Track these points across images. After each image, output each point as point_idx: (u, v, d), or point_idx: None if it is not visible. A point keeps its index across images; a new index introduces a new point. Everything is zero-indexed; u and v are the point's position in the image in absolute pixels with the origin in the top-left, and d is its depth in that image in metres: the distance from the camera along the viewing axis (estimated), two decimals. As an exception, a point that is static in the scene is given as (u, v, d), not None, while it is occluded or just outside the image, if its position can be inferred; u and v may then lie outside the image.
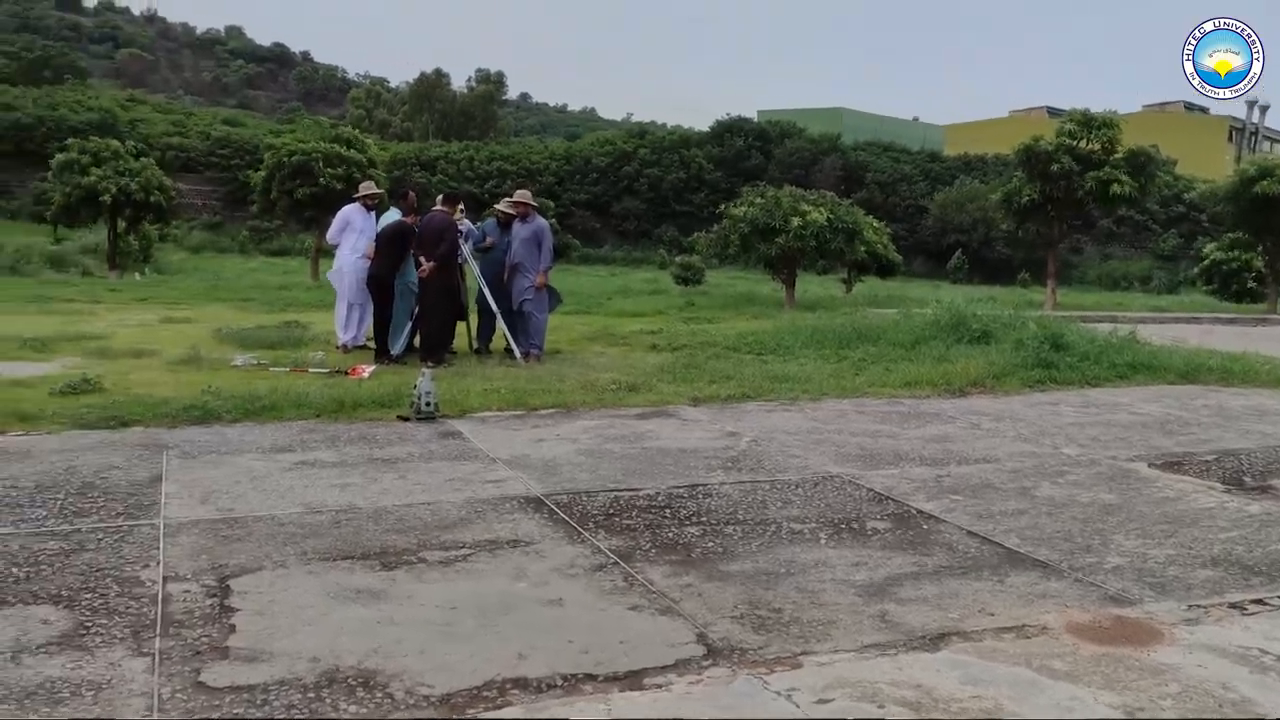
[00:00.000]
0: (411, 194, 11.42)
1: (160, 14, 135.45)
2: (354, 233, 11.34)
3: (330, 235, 11.78)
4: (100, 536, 4.74)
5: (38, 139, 48.76)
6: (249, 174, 34.01)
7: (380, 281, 10.68)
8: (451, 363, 10.50)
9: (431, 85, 79.31)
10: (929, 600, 4.33)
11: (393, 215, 11.26)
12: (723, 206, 21.60)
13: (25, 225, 43.37)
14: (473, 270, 11.33)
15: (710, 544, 4.99)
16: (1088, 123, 23.64)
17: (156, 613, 3.87)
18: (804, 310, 18.19)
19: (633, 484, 6.06)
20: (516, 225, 11.41)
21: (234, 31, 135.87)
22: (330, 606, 4.01)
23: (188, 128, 58.54)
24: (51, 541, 4.64)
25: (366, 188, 12.00)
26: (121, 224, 25.95)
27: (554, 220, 34.79)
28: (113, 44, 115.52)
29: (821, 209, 19.66)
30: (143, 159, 26.66)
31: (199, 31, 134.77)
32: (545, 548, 4.84)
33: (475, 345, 11.55)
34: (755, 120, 66.30)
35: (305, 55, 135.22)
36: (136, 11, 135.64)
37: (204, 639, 3.68)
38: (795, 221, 19.10)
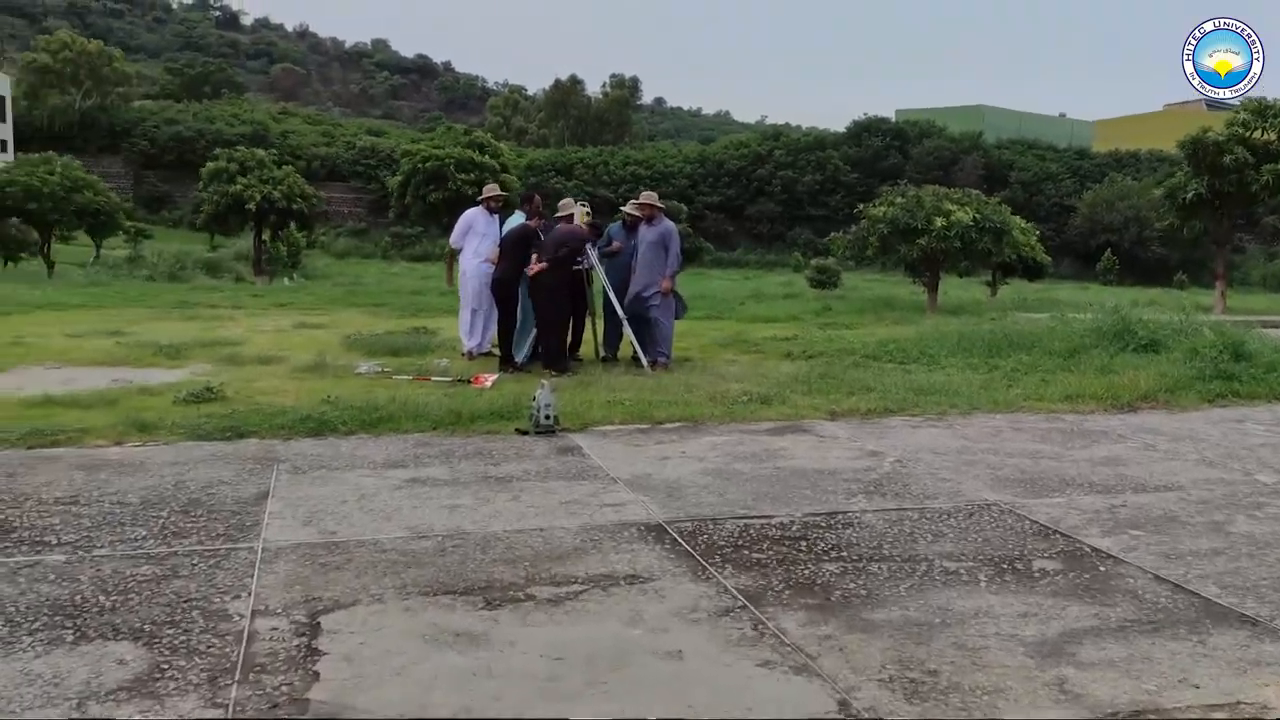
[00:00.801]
0: (537, 197, 11.13)
1: (312, 29, 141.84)
2: (476, 236, 11.08)
3: (453, 239, 11.56)
4: (195, 561, 4.48)
5: (198, 151, 51.43)
6: (389, 179, 34.91)
7: (504, 286, 10.40)
8: (576, 371, 10.13)
9: (567, 92, 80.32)
10: (1116, 664, 3.65)
11: (518, 219, 10.99)
12: (860, 207, 20.80)
13: (185, 233, 45.76)
14: (599, 276, 10.94)
15: (852, 585, 4.40)
16: (1262, 111, 21.77)
17: (239, 654, 3.54)
18: (947, 315, 17.21)
19: (764, 510, 5.51)
20: (643, 228, 10.96)
21: (380, 44, 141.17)
22: (424, 653, 3.60)
23: (335, 138, 60.80)
24: (145, 566, 4.40)
25: (490, 190, 11.77)
26: (266, 231, 26.79)
27: (686, 224, 34.42)
28: (268, 59, 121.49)
29: (967, 208, 18.66)
30: (285, 167, 27.52)
31: (347, 45, 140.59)
32: (665, 585, 4.34)
33: (602, 353, 11.17)
34: (893, 120, 64.60)
35: (447, 65, 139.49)
36: (290, 28, 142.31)
37: (284, 688, 3.31)
38: (939, 221, 18.18)
